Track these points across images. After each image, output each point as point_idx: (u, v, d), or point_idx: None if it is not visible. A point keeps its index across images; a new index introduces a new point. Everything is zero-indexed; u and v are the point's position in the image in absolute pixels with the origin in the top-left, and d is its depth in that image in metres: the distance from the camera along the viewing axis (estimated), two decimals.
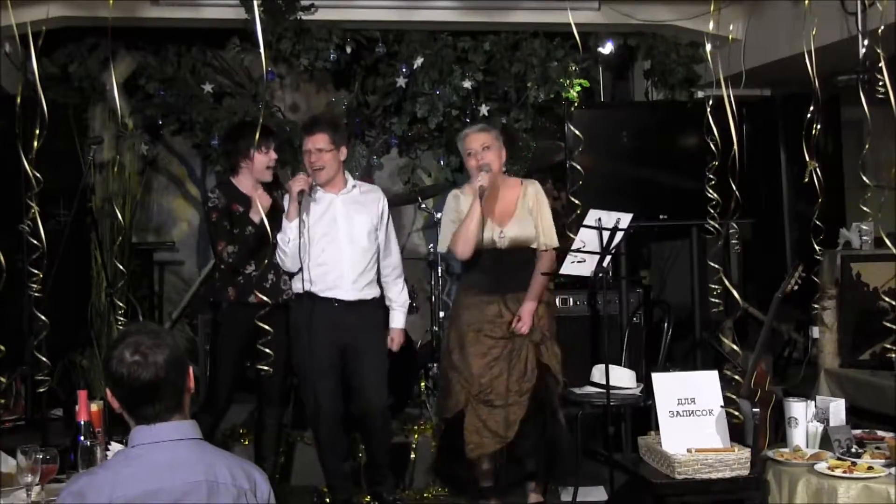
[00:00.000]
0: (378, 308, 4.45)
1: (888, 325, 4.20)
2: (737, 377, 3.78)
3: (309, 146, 4.31)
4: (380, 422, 4.44)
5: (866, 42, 4.37)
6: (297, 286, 4.33)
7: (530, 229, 4.28)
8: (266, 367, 4.11)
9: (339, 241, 4.30)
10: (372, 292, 4.39)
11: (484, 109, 6.00)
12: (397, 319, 4.52)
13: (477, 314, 4.28)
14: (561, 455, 4.30)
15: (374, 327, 4.42)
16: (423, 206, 6.00)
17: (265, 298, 4.05)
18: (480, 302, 4.29)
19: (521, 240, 4.25)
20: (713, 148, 4.00)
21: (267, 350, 4.04)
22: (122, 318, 4.39)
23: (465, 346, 4.26)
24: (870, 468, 2.96)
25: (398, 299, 4.51)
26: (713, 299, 4.22)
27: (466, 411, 4.24)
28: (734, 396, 3.63)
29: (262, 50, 3.90)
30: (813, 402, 3.34)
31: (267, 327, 4.01)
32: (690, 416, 3.37)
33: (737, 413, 3.56)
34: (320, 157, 4.27)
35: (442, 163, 6.36)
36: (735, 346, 3.86)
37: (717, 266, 4.18)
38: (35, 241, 3.81)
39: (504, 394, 4.18)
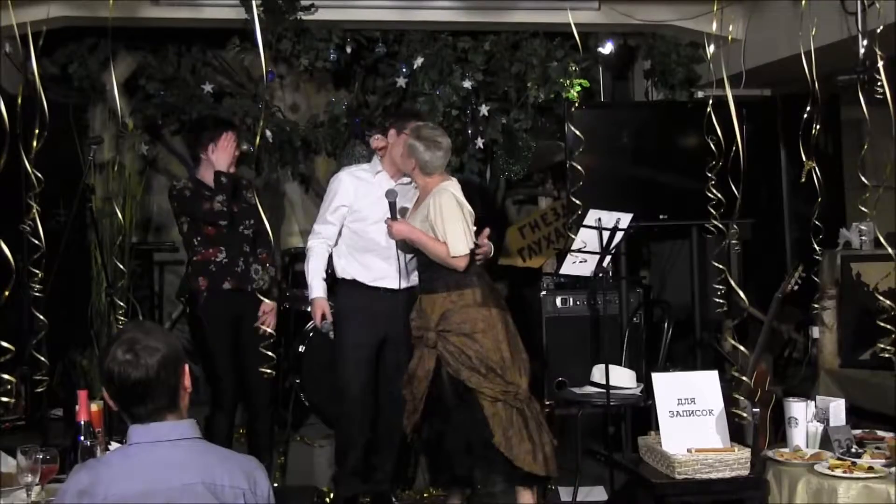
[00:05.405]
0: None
1: (882, 324, 4.19)
2: (742, 378, 3.77)
3: None
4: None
5: (866, 42, 4.36)
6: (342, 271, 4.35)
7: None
8: (269, 371, 4.09)
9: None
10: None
11: (484, 109, 5.99)
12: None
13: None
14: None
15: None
16: None
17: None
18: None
19: (409, 242, 4.17)
20: (713, 148, 4.00)
21: (269, 353, 4.02)
22: (122, 318, 4.38)
23: None
24: (870, 468, 2.96)
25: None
26: (717, 300, 4.22)
27: None
28: (739, 397, 3.62)
29: (261, 50, 3.89)
30: (813, 402, 3.34)
31: (271, 331, 4.00)
32: (690, 416, 3.37)
33: (744, 413, 3.56)
34: None
35: None
36: (740, 346, 3.84)
37: (721, 266, 4.18)
38: (35, 241, 3.81)
39: (408, 392, 4.20)
